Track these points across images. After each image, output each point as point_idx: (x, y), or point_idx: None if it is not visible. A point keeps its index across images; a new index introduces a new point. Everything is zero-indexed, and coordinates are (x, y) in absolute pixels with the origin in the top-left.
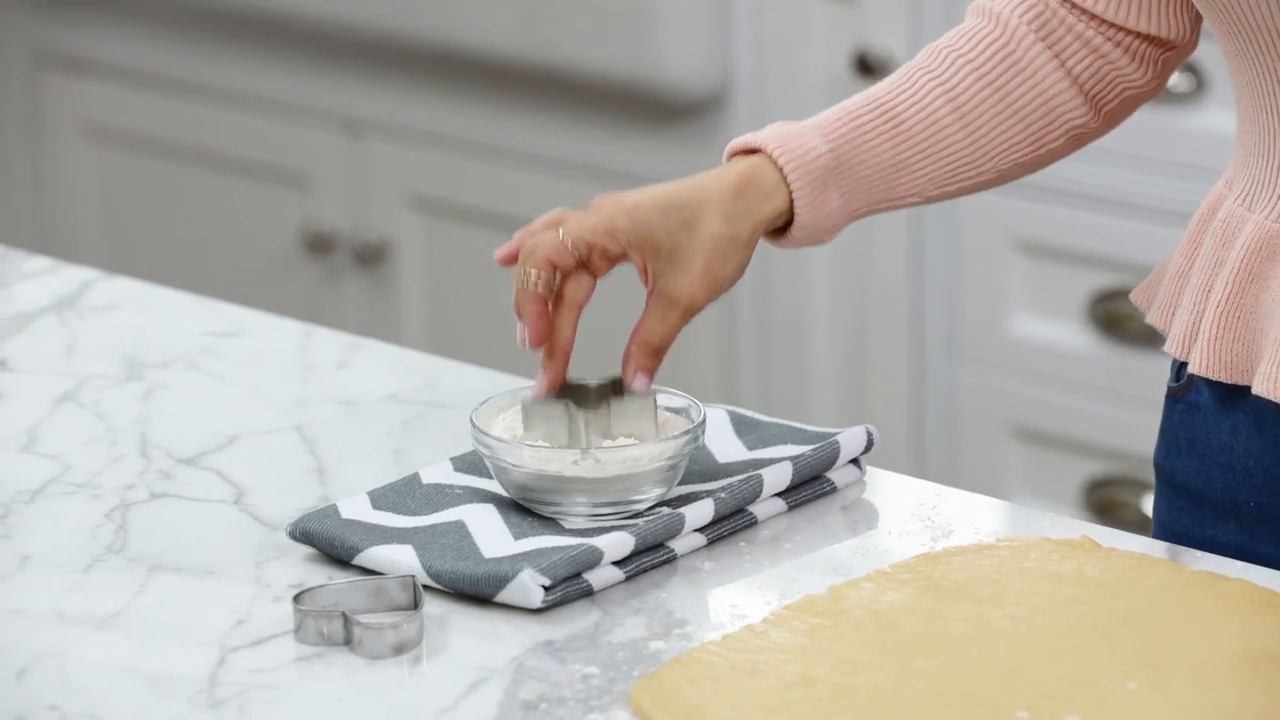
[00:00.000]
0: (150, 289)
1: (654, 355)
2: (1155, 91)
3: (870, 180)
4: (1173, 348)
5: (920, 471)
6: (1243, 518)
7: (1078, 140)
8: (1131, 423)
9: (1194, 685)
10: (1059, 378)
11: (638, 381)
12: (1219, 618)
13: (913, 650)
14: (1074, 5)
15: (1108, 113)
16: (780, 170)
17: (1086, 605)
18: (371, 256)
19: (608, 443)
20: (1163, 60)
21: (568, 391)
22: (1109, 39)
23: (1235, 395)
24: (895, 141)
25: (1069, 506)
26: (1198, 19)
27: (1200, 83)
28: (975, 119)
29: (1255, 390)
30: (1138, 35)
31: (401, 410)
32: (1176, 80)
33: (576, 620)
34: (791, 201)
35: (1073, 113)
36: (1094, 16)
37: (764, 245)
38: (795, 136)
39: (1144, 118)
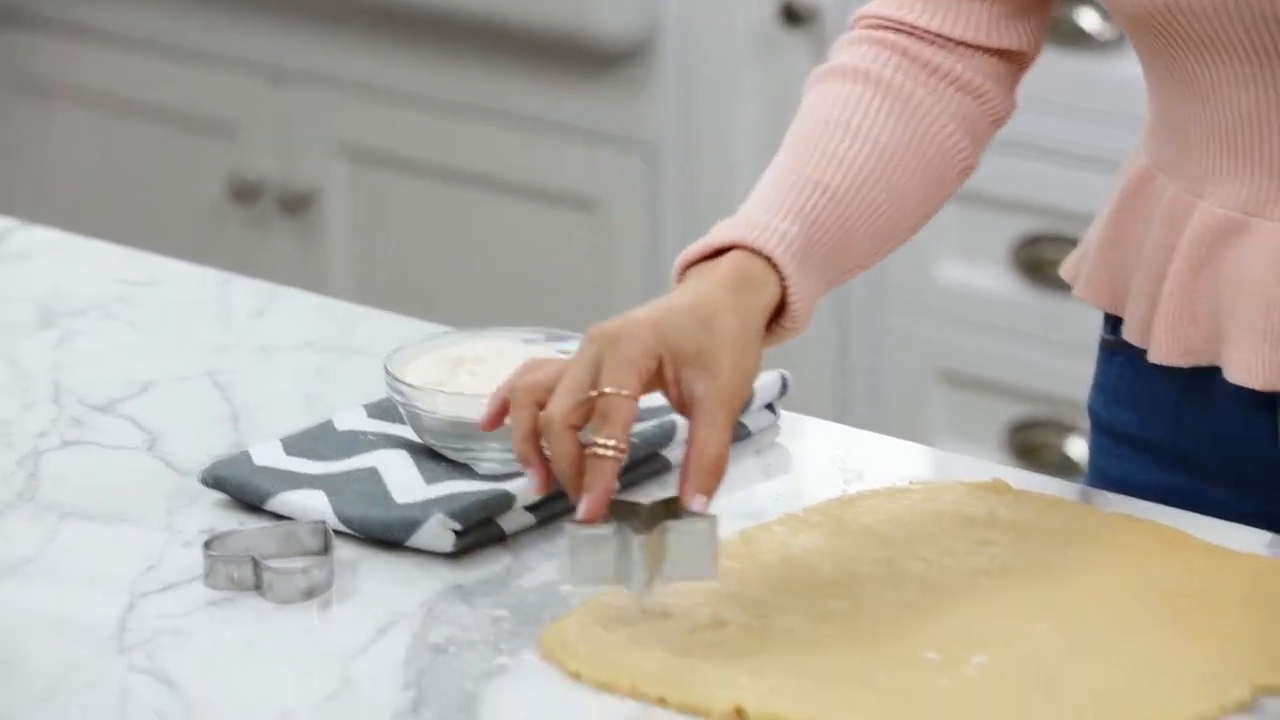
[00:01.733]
0: (66, 238)
1: (713, 473)
2: (1011, 112)
3: (829, 258)
4: (1130, 334)
5: (845, 416)
6: (1190, 464)
7: (964, 176)
8: (1055, 367)
9: (1102, 626)
10: (984, 323)
11: (696, 502)
12: (1127, 559)
13: (824, 593)
14: (922, 34)
15: (979, 140)
16: (767, 258)
17: (997, 547)
18: (298, 205)
19: (659, 584)
20: (1012, 77)
21: (616, 512)
22: (965, 63)
23: None
24: (840, 214)
25: (993, 449)
26: (1040, 27)
27: (1121, 31)
28: (897, 181)
29: (1231, 379)
30: (988, 51)
31: (317, 358)
32: (1100, 28)
33: (488, 564)
34: (784, 288)
35: (963, 151)
36: (946, 39)
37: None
38: (761, 226)
39: (1067, 65)
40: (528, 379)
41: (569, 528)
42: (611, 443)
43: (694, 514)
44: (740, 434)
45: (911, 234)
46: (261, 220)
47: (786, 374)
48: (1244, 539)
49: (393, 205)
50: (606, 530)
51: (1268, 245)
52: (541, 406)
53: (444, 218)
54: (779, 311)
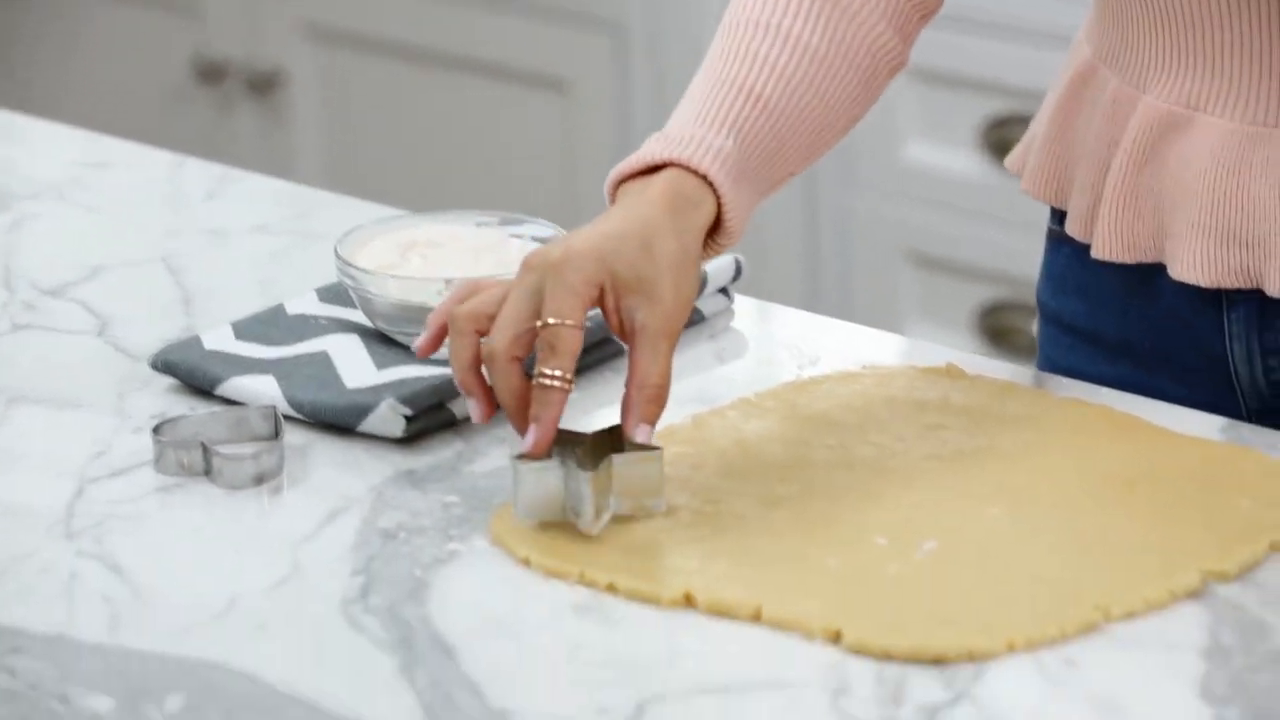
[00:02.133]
0: (19, 119)
1: (656, 401)
2: (940, 4)
3: (762, 170)
4: (1074, 228)
5: (814, 300)
6: (1136, 356)
7: (893, 74)
8: (1025, 249)
9: (1052, 511)
10: (952, 204)
11: (640, 432)
12: (1080, 444)
13: (775, 478)
14: None
15: (908, 37)
16: (702, 175)
17: (949, 432)
18: (264, 86)
19: (606, 515)
20: None
21: (560, 441)
22: None
23: None
24: (773, 124)
25: (963, 332)
26: None
27: None
28: (827, 85)
29: (1175, 276)
30: None
31: (270, 241)
32: None
33: (438, 450)
34: (720, 205)
35: (892, 49)
36: None
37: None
38: (695, 142)
39: None
40: (467, 307)
41: (515, 462)
42: (559, 373)
43: (639, 445)
44: (694, 318)
45: (841, 136)
46: (227, 101)
47: (740, 258)
48: (1198, 424)
49: (360, 86)
50: (553, 463)
51: (1211, 140)
52: (482, 334)
53: (411, 98)
54: (713, 227)
